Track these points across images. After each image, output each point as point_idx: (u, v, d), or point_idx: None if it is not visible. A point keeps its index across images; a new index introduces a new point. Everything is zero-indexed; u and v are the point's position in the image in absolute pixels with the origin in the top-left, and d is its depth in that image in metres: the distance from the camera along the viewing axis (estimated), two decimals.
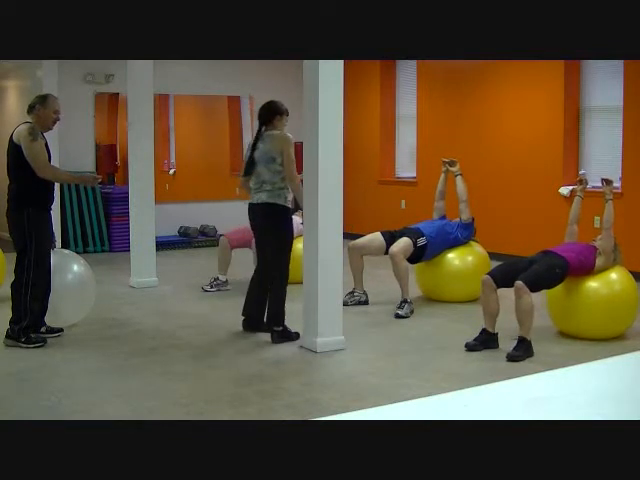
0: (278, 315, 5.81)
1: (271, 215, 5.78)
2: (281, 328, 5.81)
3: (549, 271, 5.63)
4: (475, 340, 5.61)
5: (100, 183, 6.95)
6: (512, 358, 5.32)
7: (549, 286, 5.76)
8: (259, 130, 5.91)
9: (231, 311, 6.83)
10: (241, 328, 6.11)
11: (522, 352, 5.36)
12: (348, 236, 7.86)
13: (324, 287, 5.51)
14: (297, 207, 8.39)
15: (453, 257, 7.14)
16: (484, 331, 5.64)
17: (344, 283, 5.77)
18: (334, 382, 4.94)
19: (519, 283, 5.44)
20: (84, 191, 10.33)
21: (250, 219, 5.97)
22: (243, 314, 6.07)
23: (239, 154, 12.11)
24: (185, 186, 11.51)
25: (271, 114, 5.87)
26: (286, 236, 5.83)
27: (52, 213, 5.94)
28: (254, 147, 5.85)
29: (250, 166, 5.84)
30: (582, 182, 6.31)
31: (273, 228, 5.79)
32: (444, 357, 5.47)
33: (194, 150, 11.86)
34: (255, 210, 5.87)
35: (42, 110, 5.68)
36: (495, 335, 5.64)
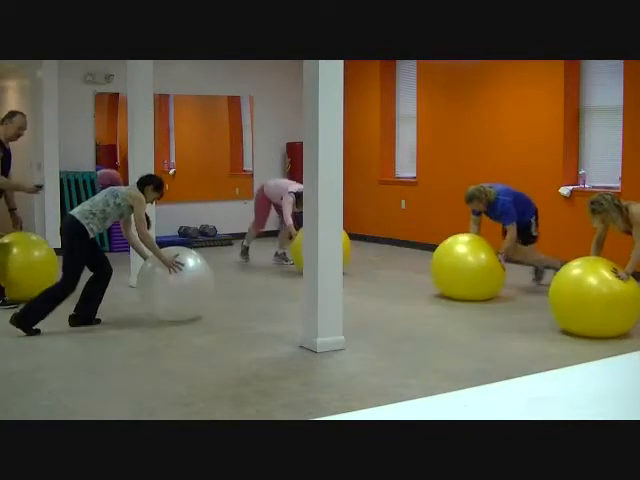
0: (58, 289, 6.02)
1: None
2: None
3: None
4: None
5: (39, 187, 7.31)
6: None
7: None
8: None
9: (230, 311, 6.84)
10: (239, 328, 6.20)
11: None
12: (348, 236, 7.84)
13: (324, 287, 5.51)
14: (297, 206, 8.41)
15: (465, 254, 7.17)
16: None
17: (344, 283, 5.77)
18: (334, 382, 4.94)
19: None
20: (84, 191, 10.31)
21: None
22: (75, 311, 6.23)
23: (239, 154, 12.13)
24: (185, 186, 11.50)
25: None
26: None
27: (52, 212, 6.05)
28: None
29: None
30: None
31: None
32: (444, 357, 5.47)
33: (194, 150, 11.85)
34: None
35: (9, 125, 6.64)
36: None
